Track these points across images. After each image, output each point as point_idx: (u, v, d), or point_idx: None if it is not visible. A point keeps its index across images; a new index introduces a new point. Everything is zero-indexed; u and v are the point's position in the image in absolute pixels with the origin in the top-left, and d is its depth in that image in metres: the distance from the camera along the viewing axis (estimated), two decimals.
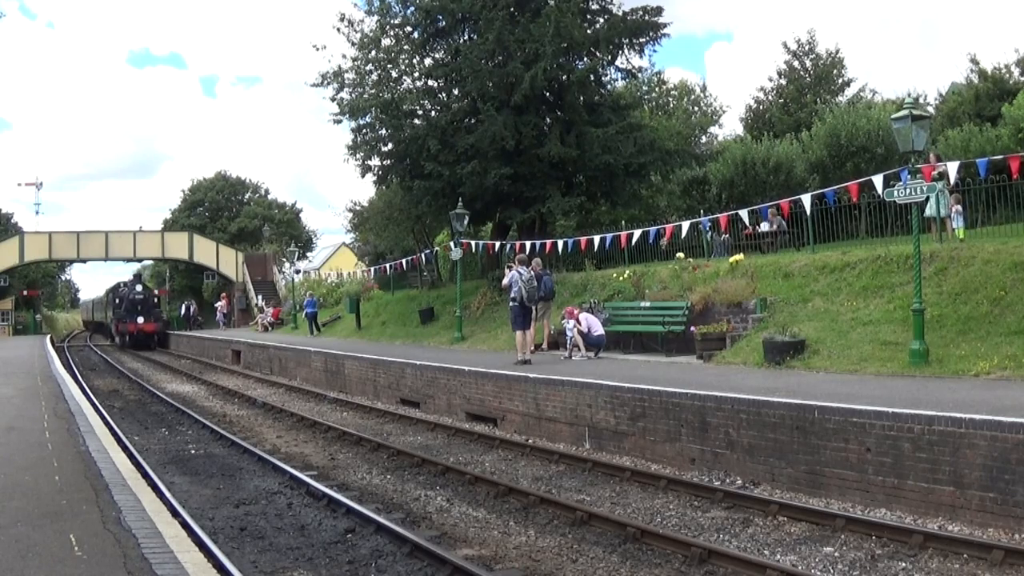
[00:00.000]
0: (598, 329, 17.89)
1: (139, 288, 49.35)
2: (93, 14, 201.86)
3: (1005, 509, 8.08)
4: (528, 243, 23.27)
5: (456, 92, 27.35)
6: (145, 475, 10.20)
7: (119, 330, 48.50)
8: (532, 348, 17.62)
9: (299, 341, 30.59)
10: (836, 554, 7.90)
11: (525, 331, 17.13)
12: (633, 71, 28.71)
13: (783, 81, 41.29)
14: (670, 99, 41.85)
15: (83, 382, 23.64)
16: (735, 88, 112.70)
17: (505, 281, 17.79)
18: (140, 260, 55.93)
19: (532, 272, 17.22)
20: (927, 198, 13.99)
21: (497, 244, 26.61)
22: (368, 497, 10.71)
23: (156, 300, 51.95)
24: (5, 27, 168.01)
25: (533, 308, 17.66)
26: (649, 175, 28.10)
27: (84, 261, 55.98)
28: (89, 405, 14.62)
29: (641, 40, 26.90)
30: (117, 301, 50.04)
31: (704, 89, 45.89)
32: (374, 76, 27.39)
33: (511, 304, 17.24)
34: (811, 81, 40.57)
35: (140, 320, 47.29)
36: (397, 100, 26.65)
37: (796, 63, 41.24)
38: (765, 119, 39.63)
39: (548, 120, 26.58)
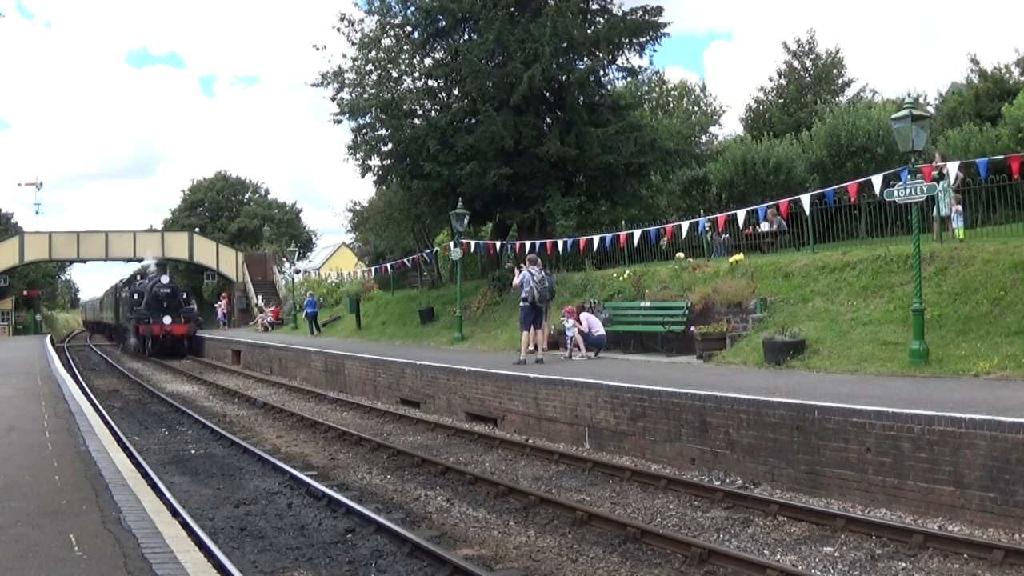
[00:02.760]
0: (598, 329, 17.90)
1: (165, 280, 40.33)
2: (91, 13, 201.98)
3: (1005, 509, 8.08)
4: (528, 243, 23.29)
5: (456, 92, 27.37)
6: (145, 475, 10.20)
7: (141, 333, 38.88)
8: (545, 347, 17.62)
9: (299, 341, 30.59)
10: (836, 554, 7.90)
11: (535, 330, 17.20)
12: (634, 69, 28.70)
13: (783, 81, 41.31)
14: (670, 99, 41.86)
15: (83, 382, 23.64)
16: (735, 88, 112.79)
17: (516, 281, 17.84)
18: (140, 260, 54.87)
19: (543, 272, 17.35)
20: (935, 196, 14.04)
21: (497, 244, 26.62)
22: (368, 497, 10.71)
23: (185, 295, 42.70)
24: (3, 27, 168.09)
25: (544, 308, 17.71)
26: (649, 175, 28.11)
27: (84, 261, 55.92)
28: (89, 405, 14.61)
29: (641, 40, 26.92)
30: (135, 297, 40.82)
31: (704, 89, 45.93)
32: (374, 76, 27.41)
33: (522, 304, 17.31)
34: (811, 81, 40.60)
35: (167, 320, 38.37)
36: (397, 100, 26.68)
37: (796, 63, 41.27)
38: (765, 119, 39.65)
39: (548, 120, 26.60)
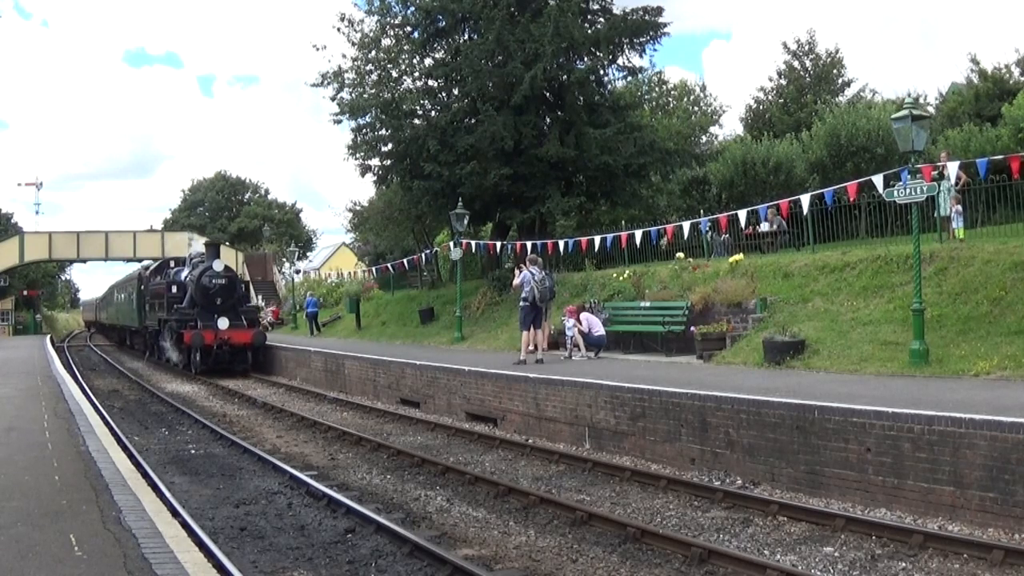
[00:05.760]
0: (599, 329, 17.90)
1: (219, 267, 28.65)
2: (88, 13, 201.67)
3: (1005, 509, 8.08)
4: (528, 243, 23.30)
5: (456, 92, 27.40)
6: (145, 475, 10.20)
7: (188, 342, 27.28)
8: (545, 347, 17.59)
9: (299, 341, 30.59)
10: (836, 554, 7.90)
11: (535, 330, 17.19)
12: (634, 68, 28.74)
13: (783, 81, 41.30)
14: (670, 99, 41.88)
15: (83, 382, 23.63)
16: (733, 87, 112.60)
17: (516, 281, 17.80)
18: (140, 260, 54.68)
19: (543, 272, 17.34)
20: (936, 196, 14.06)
21: (497, 244, 26.64)
22: (368, 497, 10.71)
23: (244, 288, 32.04)
24: (1, 27, 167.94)
25: (544, 308, 17.68)
26: (649, 175, 28.12)
27: (84, 261, 55.98)
28: (89, 405, 14.61)
29: (641, 40, 26.95)
30: (173, 290, 29.62)
31: (704, 89, 45.98)
32: (374, 76, 27.45)
33: (522, 304, 17.29)
34: (811, 81, 40.58)
35: (224, 324, 27.31)
36: (397, 100, 26.70)
37: (796, 63, 41.26)
38: (765, 119, 39.64)
39: (548, 120, 26.63)
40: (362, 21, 27.89)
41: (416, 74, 27.86)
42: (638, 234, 21.50)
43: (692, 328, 16.43)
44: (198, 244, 33.86)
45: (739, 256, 18.87)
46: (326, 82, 27.70)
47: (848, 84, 40.98)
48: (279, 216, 68.77)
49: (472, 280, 28.46)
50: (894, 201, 13.33)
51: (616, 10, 26.94)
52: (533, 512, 9.75)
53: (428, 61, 27.94)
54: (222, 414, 19.40)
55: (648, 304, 18.62)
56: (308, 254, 68.43)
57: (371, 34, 27.61)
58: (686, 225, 20.59)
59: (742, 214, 19.78)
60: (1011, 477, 8.04)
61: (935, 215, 16.95)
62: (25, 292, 61.07)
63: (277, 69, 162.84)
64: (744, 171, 28.53)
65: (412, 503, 10.45)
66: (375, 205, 38.24)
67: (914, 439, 8.79)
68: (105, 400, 21.22)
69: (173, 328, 28.66)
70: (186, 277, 29.55)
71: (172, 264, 33.12)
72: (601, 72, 27.05)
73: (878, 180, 16.54)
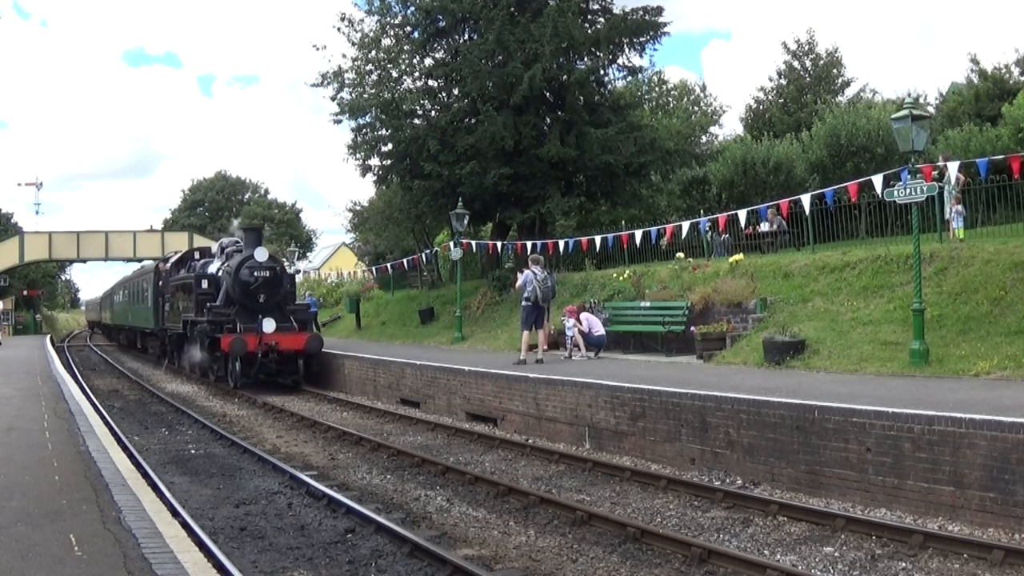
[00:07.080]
0: (599, 329, 17.91)
1: (263, 256, 23.11)
2: (86, 13, 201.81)
3: (1005, 509, 8.08)
4: (528, 243, 23.31)
5: (456, 92, 27.42)
6: (145, 475, 10.20)
7: (226, 350, 22.05)
8: (545, 347, 17.57)
9: None
10: (836, 554, 7.90)
11: (536, 330, 17.18)
12: (634, 68, 28.76)
13: (783, 81, 41.34)
14: (670, 99, 41.91)
15: (83, 382, 23.62)
16: (733, 86, 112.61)
17: (519, 282, 17.79)
18: (140, 260, 54.58)
19: (545, 272, 17.34)
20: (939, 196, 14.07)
21: (497, 244, 26.65)
22: (368, 497, 10.70)
23: (293, 280, 26.60)
24: (0, 27, 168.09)
25: (545, 308, 17.66)
26: (649, 175, 28.14)
27: (84, 261, 56.01)
28: (89, 405, 14.62)
29: (641, 40, 26.99)
30: (204, 284, 24.50)
31: (704, 89, 46.01)
32: (374, 76, 27.49)
33: (524, 304, 17.27)
34: (811, 81, 40.62)
35: (269, 326, 22.13)
36: (397, 100, 26.72)
37: (796, 63, 41.30)
38: (765, 119, 39.67)
39: (548, 120, 26.65)
40: (362, 21, 27.98)
41: (416, 74, 27.91)
42: (638, 234, 21.52)
43: (692, 328, 16.44)
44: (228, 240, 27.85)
45: (739, 256, 18.87)
46: (326, 82, 27.74)
47: (848, 84, 41.07)
48: (279, 216, 68.83)
49: (472, 280, 28.46)
50: (894, 201, 13.32)
51: (616, 10, 27.02)
52: (533, 512, 9.75)
53: (428, 61, 27.98)
54: (222, 414, 19.39)
55: (648, 304, 18.63)
56: (308, 254, 68.48)
57: (371, 34, 27.66)
58: (686, 225, 20.60)
59: (742, 214, 19.80)
60: (1011, 477, 8.04)
61: (944, 216, 16.89)
62: (25, 292, 61.10)
63: (277, 69, 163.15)
64: (744, 171, 28.55)
65: (412, 503, 10.44)
66: (375, 205, 38.23)
67: (914, 439, 8.80)
68: (105, 400, 21.20)
69: (205, 331, 23.32)
70: (219, 270, 24.46)
71: (197, 255, 28.25)
72: (601, 72, 27.07)
73: (878, 180, 16.54)
